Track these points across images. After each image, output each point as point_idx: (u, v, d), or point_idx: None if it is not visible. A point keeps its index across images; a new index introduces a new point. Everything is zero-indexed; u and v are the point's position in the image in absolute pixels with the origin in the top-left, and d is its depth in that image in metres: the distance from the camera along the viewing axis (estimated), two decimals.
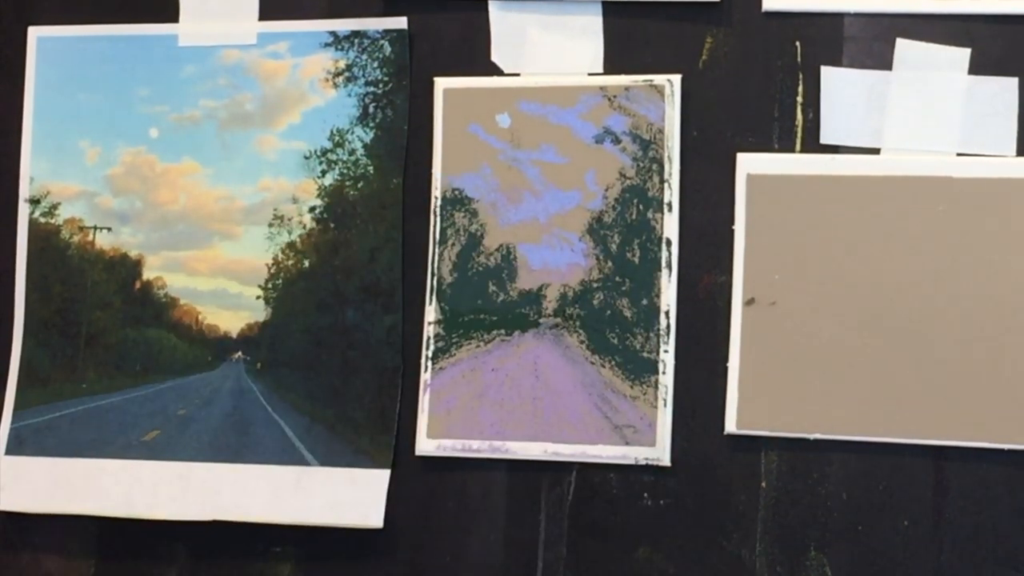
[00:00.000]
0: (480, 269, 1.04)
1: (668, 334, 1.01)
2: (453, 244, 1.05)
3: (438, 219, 1.05)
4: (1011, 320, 0.95)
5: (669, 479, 1.00)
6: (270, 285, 1.08)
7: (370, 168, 1.07)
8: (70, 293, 1.11)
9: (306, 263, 1.08)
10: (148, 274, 1.10)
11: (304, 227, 1.08)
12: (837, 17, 1.00)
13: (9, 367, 1.11)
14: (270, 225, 1.08)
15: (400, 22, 1.06)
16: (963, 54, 0.98)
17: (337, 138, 1.08)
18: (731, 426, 0.99)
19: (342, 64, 1.08)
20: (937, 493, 0.96)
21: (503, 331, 1.03)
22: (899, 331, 0.96)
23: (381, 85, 1.07)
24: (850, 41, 0.99)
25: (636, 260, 1.02)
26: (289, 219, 1.08)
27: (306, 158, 1.08)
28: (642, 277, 1.02)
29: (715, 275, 1.01)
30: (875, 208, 0.98)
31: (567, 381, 1.02)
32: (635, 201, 1.02)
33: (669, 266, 1.01)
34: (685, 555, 1.00)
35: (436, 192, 1.05)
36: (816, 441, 0.98)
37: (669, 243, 1.01)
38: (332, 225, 1.08)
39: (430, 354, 1.04)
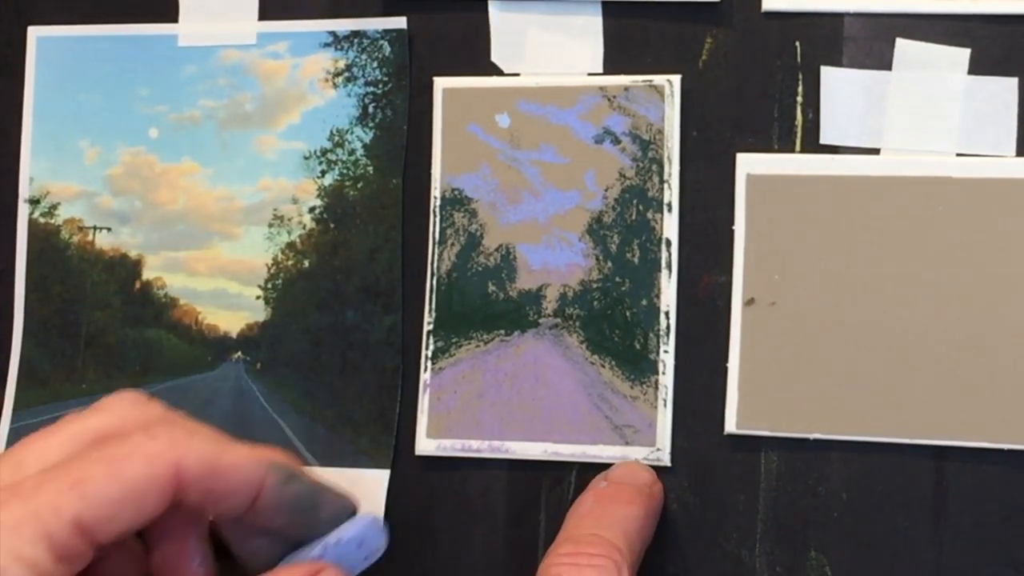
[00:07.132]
0: (480, 269, 1.04)
1: (668, 334, 1.01)
2: (452, 244, 1.05)
3: (437, 219, 1.05)
4: (1011, 320, 0.95)
5: (669, 479, 1.00)
6: (270, 285, 1.08)
7: (370, 168, 1.07)
8: (70, 293, 1.11)
9: (306, 263, 1.08)
10: (148, 274, 1.10)
11: (304, 227, 1.08)
12: (837, 17, 1.00)
13: (8, 367, 1.11)
14: (270, 225, 1.08)
15: (400, 22, 1.06)
16: (963, 54, 0.97)
17: (337, 138, 1.08)
18: (731, 426, 0.99)
19: (342, 64, 1.08)
20: (937, 493, 0.96)
21: (503, 331, 1.03)
22: (899, 331, 0.96)
23: (381, 85, 1.07)
24: (850, 41, 0.99)
25: (636, 260, 1.02)
26: (289, 219, 1.08)
27: (306, 158, 1.08)
28: (642, 277, 1.01)
29: (715, 275, 1.00)
30: (875, 208, 0.98)
31: (567, 381, 1.02)
32: (635, 201, 1.02)
33: (669, 266, 1.01)
34: (685, 555, 0.99)
35: (435, 192, 1.05)
36: (816, 441, 0.98)
37: (669, 243, 1.01)
38: (332, 225, 1.07)
39: (429, 354, 1.04)
